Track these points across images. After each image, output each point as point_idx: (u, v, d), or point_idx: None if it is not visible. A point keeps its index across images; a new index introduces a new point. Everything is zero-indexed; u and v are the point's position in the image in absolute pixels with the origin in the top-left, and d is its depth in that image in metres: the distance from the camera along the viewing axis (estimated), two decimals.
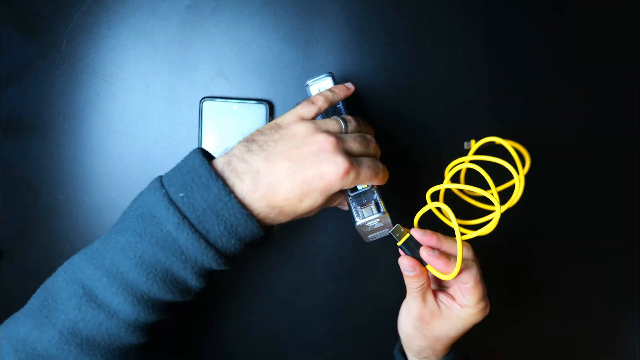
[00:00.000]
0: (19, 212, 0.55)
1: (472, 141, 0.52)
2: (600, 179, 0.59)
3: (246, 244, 0.38)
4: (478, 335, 0.47)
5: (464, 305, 0.43)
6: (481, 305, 0.43)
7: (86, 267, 0.36)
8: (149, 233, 0.35)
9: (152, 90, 0.54)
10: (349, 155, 0.39)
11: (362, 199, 0.44)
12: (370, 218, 0.43)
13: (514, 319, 0.61)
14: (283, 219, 0.39)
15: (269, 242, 0.56)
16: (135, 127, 0.54)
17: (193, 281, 0.37)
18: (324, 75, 0.49)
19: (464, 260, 0.42)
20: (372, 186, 0.44)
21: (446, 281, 0.46)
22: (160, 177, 0.38)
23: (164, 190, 0.36)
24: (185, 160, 0.38)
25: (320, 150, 0.38)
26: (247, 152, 0.38)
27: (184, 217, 0.35)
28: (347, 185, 0.39)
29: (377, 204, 0.43)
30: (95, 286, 0.35)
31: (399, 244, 0.44)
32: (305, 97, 0.54)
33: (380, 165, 0.42)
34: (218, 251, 0.36)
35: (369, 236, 0.46)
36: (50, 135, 0.54)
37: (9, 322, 0.38)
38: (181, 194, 0.35)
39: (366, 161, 0.40)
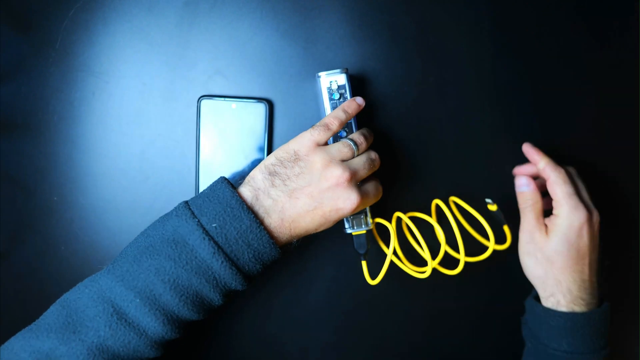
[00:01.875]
0: (12, 213, 0.54)
1: (495, 206, 0.52)
2: (602, 178, 0.58)
3: (266, 266, 0.43)
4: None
5: (556, 208, 0.48)
6: (572, 202, 0.47)
7: (116, 287, 0.39)
8: (183, 260, 0.39)
9: (149, 88, 0.53)
10: (358, 184, 0.45)
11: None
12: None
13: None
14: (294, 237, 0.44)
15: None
16: (132, 126, 0.53)
17: (218, 301, 0.41)
18: (338, 70, 0.48)
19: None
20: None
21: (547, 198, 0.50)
22: (187, 203, 0.42)
23: (196, 220, 0.40)
24: (213, 190, 0.42)
25: (337, 186, 0.43)
26: (272, 187, 0.43)
27: (219, 247, 0.39)
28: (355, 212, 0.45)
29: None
30: (127, 306, 0.38)
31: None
32: (312, 88, 0.54)
33: (380, 187, 0.48)
34: (245, 275, 0.41)
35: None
36: (44, 135, 0.53)
37: (25, 335, 0.39)
38: (214, 224, 0.39)
39: (372, 190, 0.47)
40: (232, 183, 0.43)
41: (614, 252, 0.59)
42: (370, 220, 0.50)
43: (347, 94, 0.49)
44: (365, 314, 0.58)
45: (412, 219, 0.52)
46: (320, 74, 0.48)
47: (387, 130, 0.55)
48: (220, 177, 0.43)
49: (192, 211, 0.40)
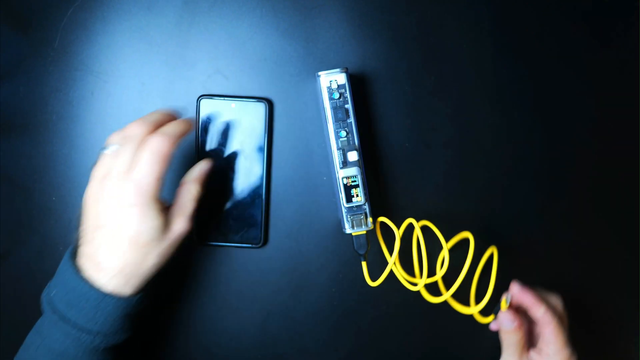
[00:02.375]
0: (11, 213, 0.54)
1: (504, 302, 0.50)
2: (603, 179, 0.58)
3: (126, 315, 0.40)
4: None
5: (547, 352, 0.45)
6: (568, 351, 0.44)
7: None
8: (41, 327, 0.41)
9: (148, 88, 0.53)
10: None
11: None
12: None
13: None
14: (135, 282, 0.40)
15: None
16: None
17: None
18: (337, 70, 0.48)
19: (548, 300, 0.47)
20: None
21: (534, 338, 0.49)
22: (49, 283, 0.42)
23: (46, 291, 0.41)
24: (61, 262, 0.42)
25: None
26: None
27: (55, 310, 0.39)
28: (153, 215, 0.39)
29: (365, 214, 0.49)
30: None
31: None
32: (312, 87, 0.53)
33: (156, 143, 0.39)
34: (92, 332, 0.39)
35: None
36: (43, 135, 0.53)
37: None
38: (54, 291, 0.40)
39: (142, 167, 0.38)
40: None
41: (614, 253, 0.59)
42: (370, 220, 0.50)
43: (347, 94, 0.48)
44: (365, 314, 0.57)
45: (422, 228, 0.50)
46: (320, 73, 0.48)
47: (387, 130, 0.54)
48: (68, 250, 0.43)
49: (48, 285, 0.42)
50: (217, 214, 0.53)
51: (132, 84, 0.53)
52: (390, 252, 0.50)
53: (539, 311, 0.46)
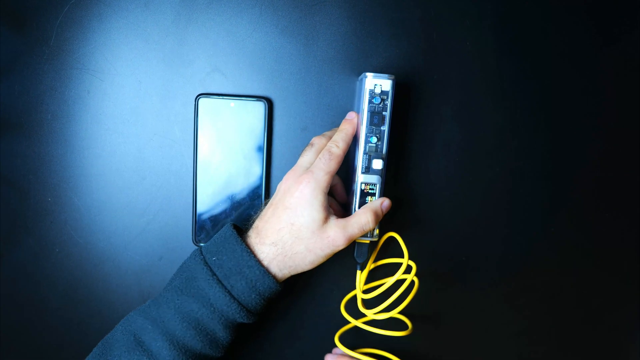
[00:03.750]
0: (6, 214, 0.53)
1: None
2: (609, 177, 0.57)
3: (266, 299, 0.44)
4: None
5: None
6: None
7: (138, 319, 0.44)
8: (187, 289, 0.43)
9: (145, 86, 0.52)
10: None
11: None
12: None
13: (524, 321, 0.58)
14: (284, 265, 0.44)
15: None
16: (127, 126, 0.52)
17: (220, 332, 0.43)
18: (386, 75, 0.46)
19: None
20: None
21: None
22: (200, 247, 0.46)
23: (202, 257, 0.44)
24: (219, 232, 0.46)
25: (292, 194, 0.44)
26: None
27: (214, 274, 0.43)
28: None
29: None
30: (143, 334, 0.43)
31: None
32: (312, 86, 0.53)
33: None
34: (241, 304, 0.43)
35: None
36: (38, 134, 0.52)
37: None
38: (214, 258, 0.44)
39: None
40: (240, 227, 0.47)
41: (605, 247, 0.58)
42: (377, 232, 0.48)
43: (388, 101, 0.47)
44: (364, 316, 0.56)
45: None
46: (367, 74, 0.46)
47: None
48: (229, 222, 0.48)
49: (200, 251, 0.45)
50: (215, 215, 0.52)
51: (128, 83, 0.52)
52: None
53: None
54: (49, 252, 0.54)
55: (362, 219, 0.45)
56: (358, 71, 0.53)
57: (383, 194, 0.48)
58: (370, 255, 0.52)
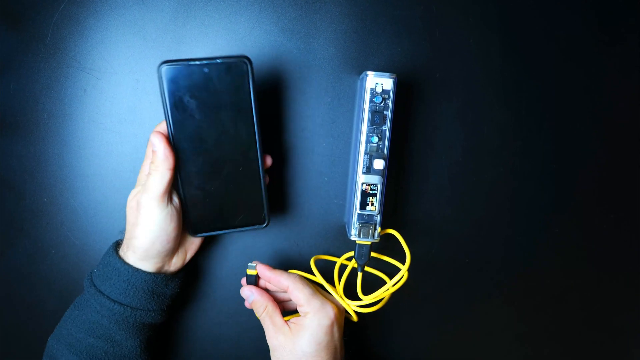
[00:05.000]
0: (1, 215, 0.52)
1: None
2: (612, 177, 0.56)
3: (149, 292, 0.45)
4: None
5: (302, 312, 0.46)
6: (317, 301, 0.45)
7: (50, 342, 0.46)
8: (79, 303, 0.46)
9: (143, 85, 0.51)
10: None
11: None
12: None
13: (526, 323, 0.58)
14: (155, 260, 0.46)
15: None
16: (125, 125, 0.52)
17: (118, 334, 0.45)
18: (387, 74, 0.45)
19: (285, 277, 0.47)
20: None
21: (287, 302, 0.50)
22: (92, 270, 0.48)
23: (89, 273, 0.47)
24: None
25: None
26: None
27: (92, 284, 0.45)
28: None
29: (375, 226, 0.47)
30: (55, 353, 0.45)
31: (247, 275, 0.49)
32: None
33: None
34: (122, 305, 0.44)
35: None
36: (34, 134, 0.51)
37: None
38: (95, 270, 0.47)
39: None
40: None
41: (608, 249, 0.57)
42: (378, 231, 0.47)
43: (390, 100, 0.46)
44: (365, 316, 0.56)
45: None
46: (369, 73, 0.45)
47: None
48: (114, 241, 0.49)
49: (91, 271, 0.48)
50: (211, 200, 0.46)
51: (126, 81, 0.51)
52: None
53: (281, 279, 0.47)
54: (44, 254, 0.53)
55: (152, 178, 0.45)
56: (359, 70, 0.52)
57: (384, 194, 0.47)
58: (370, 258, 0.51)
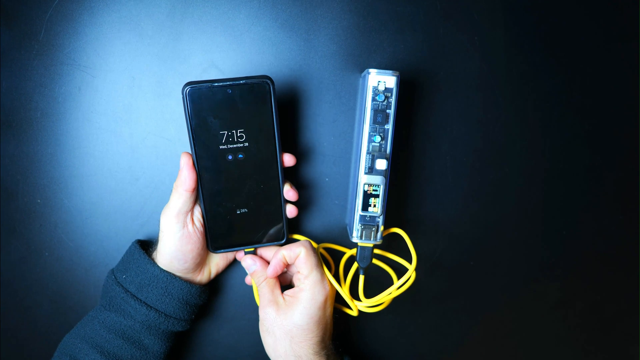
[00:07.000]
0: None
1: None
2: (615, 177, 0.55)
3: (184, 302, 0.47)
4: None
5: (301, 285, 0.46)
6: (315, 276, 0.45)
7: (70, 341, 0.47)
8: (109, 306, 0.47)
9: (139, 83, 0.50)
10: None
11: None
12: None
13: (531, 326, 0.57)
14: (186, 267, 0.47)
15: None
16: (120, 124, 0.51)
17: (147, 339, 0.46)
18: (390, 72, 0.44)
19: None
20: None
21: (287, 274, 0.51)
22: (113, 269, 0.48)
23: (113, 277, 0.47)
24: (126, 251, 0.49)
25: None
26: None
27: (127, 290, 0.46)
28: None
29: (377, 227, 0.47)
30: (77, 352, 0.46)
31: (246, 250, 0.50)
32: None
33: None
34: (159, 312, 0.46)
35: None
36: (27, 133, 0.51)
37: None
38: (124, 276, 0.47)
39: None
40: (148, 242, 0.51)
41: (615, 251, 0.56)
42: (381, 231, 0.46)
43: (393, 99, 0.44)
44: (366, 318, 0.55)
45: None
46: (371, 70, 0.44)
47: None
48: (135, 239, 0.49)
49: (112, 271, 0.48)
50: (231, 217, 0.47)
51: (121, 79, 0.50)
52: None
53: (293, 246, 0.47)
54: (38, 256, 0.52)
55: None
56: (361, 67, 0.51)
57: (387, 195, 0.46)
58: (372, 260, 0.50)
